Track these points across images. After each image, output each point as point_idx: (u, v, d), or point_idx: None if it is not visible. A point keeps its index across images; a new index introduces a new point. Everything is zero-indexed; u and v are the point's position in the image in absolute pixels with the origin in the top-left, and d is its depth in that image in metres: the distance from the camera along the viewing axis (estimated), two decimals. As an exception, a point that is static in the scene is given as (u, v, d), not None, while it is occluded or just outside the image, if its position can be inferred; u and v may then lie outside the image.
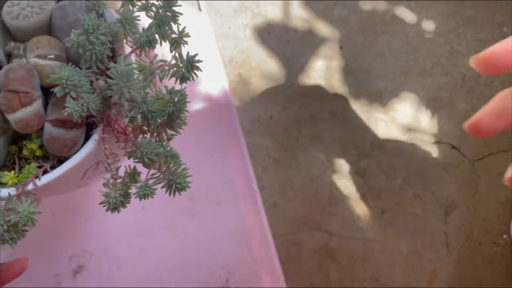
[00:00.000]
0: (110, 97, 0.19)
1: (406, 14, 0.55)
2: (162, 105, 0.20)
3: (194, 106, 0.38)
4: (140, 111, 0.19)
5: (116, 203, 0.20)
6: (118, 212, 0.20)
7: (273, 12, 0.56)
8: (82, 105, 0.19)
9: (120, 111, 0.20)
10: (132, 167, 0.20)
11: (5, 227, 0.19)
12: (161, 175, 0.20)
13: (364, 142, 0.53)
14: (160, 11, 0.20)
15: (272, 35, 0.56)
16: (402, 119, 0.53)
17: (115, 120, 0.20)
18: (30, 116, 0.19)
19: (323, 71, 0.54)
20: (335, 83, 0.54)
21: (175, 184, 0.21)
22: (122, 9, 0.20)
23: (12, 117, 0.19)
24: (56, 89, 0.18)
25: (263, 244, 0.34)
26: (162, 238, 0.33)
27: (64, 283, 0.33)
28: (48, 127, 0.20)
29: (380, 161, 0.52)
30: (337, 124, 0.52)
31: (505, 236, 0.50)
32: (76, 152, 0.20)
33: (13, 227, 0.19)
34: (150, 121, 0.20)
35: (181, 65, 0.20)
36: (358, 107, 0.53)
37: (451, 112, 0.54)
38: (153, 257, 0.34)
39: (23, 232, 0.19)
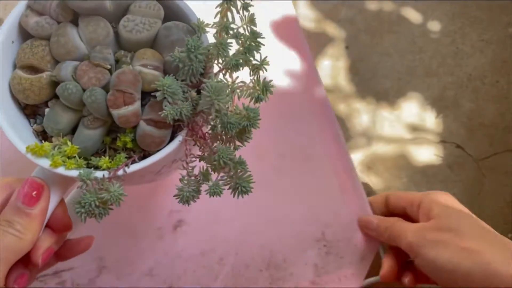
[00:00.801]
0: (196, 106, 0.24)
1: (412, 14, 0.55)
2: (239, 119, 0.24)
3: (281, 74, 0.43)
4: (222, 121, 0.24)
5: (188, 197, 0.24)
6: (188, 204, 0.24)
7: (280, 12, 0.57)
8: (176, 110, 0.24)
9: (206, 119, 0.25)
10: (205, 168, 0.24)
11: (97, 203, 0.23)
12: (229, 179, 0.25)
13: (370, 140, 0.53)
14: (247, 41, 0.25)
15: (279, 35, 0.56)
16: (408, 118, 0.53)
17: (200, 126, 0.25)
18: (131, 114, 0.23)
19: (329, 70, 0.54)
20: (341, 83, 0.55)
21: (241, 187, 0.25)
22: (217, 35, 0.25)
23: (116, 112, 0.23)
24: (157, 94, 0.23)
25: (356, 198, 0.37)
26: (256, 193, 0.35)
27: (167, 236, 0.37)
28: (142, 124, 0.24)
29: (385, 160, 0.53)
30: (342, 123, 0.53)
31: (510, 235, 0.50)
32: (161, 149, 0.24)
33: (103, 204, 0.23)
34: (227, 131, 0.24)
35: (257, 87, 0.25)
36: (364, 106, 0.54)
37: (456, 111, 0.54)
38: (249, 212, 0.37)
39: (108, 210, 0.23)
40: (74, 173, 0.23)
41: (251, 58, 0.24)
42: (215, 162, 0.24)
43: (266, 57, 0.24)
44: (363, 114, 0.53)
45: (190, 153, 0.25)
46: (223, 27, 0.25)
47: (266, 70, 0.25)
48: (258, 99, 0.25)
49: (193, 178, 0.25)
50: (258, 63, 0.24)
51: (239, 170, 0.25)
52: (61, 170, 0.24)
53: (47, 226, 0.24)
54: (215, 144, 0.25)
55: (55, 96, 0.25)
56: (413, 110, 0.51)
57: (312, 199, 0.38)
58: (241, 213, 0.38)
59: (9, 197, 0.25)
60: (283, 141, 0.40)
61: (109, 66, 0.24)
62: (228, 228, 0.38)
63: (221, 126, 0.24)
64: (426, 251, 0.30)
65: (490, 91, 0.54)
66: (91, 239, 0.26)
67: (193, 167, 0.25)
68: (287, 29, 0.48)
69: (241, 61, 0.25)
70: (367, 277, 0.43)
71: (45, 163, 0.23)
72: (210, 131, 0.25)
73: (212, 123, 0.25)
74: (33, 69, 0.26)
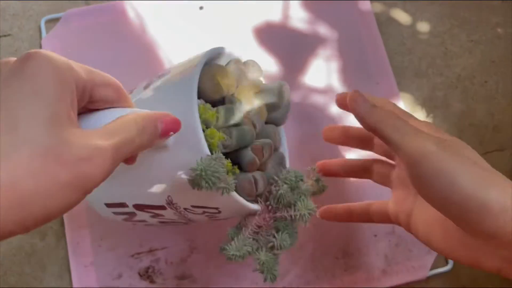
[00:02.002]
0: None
1: (401, 16, 0.56)
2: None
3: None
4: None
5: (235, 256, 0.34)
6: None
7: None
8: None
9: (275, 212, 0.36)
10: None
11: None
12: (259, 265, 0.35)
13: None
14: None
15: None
16: (398, 119, 0.54)
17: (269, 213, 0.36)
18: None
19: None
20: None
21: (270, 275, 0.35)
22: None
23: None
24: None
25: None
26: (333, 190, 0.46)
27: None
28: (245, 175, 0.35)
29: (376, 160, 0.53)
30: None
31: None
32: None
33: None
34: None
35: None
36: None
37: (446, 111, 0.54)
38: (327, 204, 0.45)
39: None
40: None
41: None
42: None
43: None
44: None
45: (261, 225, 0.35)
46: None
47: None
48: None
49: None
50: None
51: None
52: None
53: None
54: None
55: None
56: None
57: (385, 198, 0.41)
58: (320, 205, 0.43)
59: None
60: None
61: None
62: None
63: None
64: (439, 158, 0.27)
65: (479, 91, 0.55)
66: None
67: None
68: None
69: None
70: (431, 268, 0.49)
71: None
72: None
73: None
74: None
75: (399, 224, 0.37)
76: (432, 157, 0.27)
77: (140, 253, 0.48)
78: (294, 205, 0.34)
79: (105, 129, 0.23)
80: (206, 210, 0.34)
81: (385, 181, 0.40)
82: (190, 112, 0.29)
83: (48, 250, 0.49)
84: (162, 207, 0.34)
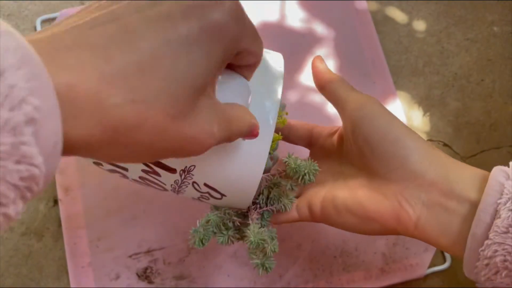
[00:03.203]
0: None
1: (397, 14, 0.56)
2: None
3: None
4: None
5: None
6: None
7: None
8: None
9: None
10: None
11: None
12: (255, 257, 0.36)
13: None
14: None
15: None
16: (395, 118, 0.54)
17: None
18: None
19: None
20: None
21: (266, 267, 0.35)
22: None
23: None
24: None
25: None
26: None
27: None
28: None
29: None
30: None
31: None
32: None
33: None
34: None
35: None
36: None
37: (443, 110, 0.54)
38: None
39: None
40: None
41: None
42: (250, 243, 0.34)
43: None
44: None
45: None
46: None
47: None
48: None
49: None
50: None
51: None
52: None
53: None
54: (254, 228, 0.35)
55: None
56: (400, 109, 0.52)
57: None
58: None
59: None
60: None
61: None
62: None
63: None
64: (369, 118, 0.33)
65: (476, 90, 0.55)
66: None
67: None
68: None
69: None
70: (429, 266, 0.49)
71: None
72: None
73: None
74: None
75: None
76: (374, 104, 0.34)
77: (138, 253, 0.48)
78: (279, 201, 0.37)
79: (228, 115, 0.23)
80: (211, 193, 0.34)
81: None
82: (273, 113, 0.31)
83: (45, 251, 0.49)
84: (172, 170, 0.33)
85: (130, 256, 0.47)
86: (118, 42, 0.18)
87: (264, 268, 0.34)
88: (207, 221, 0.36)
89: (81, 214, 0.48)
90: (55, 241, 0.49)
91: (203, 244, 0.35)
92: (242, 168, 0.32)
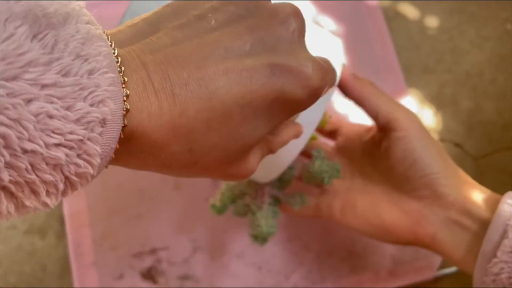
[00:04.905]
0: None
1: (409, 11, 0.55)
2: None
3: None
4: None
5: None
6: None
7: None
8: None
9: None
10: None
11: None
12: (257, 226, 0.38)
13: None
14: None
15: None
16: (405, 116, 0.53)
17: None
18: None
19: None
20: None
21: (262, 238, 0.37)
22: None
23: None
24: None
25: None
26: None
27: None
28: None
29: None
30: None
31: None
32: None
33: None
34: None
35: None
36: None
37: (455, 109, 0.53)
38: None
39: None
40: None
41: None
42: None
43: None
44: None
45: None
46: None
47: None
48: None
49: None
50: None
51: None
52: None
53: None
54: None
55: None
56: (411, 108, 0.51)
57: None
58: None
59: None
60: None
61: None
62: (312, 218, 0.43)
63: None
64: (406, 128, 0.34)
65: (488, 88, 0.54)
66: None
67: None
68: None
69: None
70: (439, 269, 0.49)
71: None
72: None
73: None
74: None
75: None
76: (414, 124, 0.35)
77: (142, 252, 0.47)
78: (293, 196, 0.38)
79: (273, 143, 0.25)
80: None
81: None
82: (320, 115, 0.33)
83: (49, 250, 0.48)
84: None
85: (134, 255, 0.47)
86: (197, 98, 0.18)
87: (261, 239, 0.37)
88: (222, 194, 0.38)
89: (85, 213, 0.48)
90: (58, 239, 0.48)
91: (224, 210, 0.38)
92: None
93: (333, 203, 0.38)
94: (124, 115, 0.17)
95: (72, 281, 0.46)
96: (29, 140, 0.14)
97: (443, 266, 0.47)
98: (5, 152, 0.13)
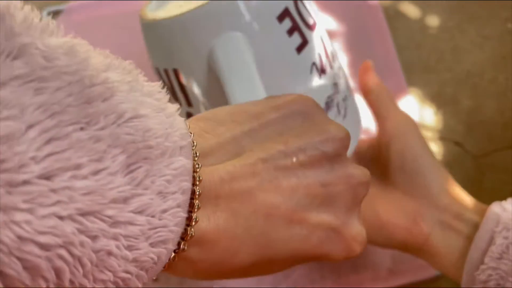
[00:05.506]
0: None
1: (410, 10, 0.55)
2: None
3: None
4: None
5: None
6: None
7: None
8: None
9: None
10: None
11: None
12: None
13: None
14: None
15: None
16: (406, 115, 0.53)
17: None
18: None
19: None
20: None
21: None
22: None
23: None
24: None
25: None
26: None
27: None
28: None
29: (383, 158, 0.52)
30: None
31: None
32: None
33: None
34: None
35: None
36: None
37: (455, 108, 0.53)
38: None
39: None
40: None
41: None
42: None
43: None
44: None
45: None
46: None
47: None
48: None
49: None
50: None
51: None
52: None
53: None
54: None
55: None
56: (411, 107, 0.51)
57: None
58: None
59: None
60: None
61: None
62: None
63: None
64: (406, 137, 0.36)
65: (489, 88, 0.54)
66: None
67: None
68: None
69: None
70: None
71: None
72: None
73: None
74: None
75: None
76: (414, 125, 0.38)
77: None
78: None
79: None
80: None
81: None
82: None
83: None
84: None
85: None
86: (254, 244, 0.19)
87: None
88: None
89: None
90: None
91: None
92: None
93: None
94: (177, 253, 0.17)
95: (73, 278, 0.46)
96: (83, 276, 0.13)
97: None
98: (51, 284, 0.12)
